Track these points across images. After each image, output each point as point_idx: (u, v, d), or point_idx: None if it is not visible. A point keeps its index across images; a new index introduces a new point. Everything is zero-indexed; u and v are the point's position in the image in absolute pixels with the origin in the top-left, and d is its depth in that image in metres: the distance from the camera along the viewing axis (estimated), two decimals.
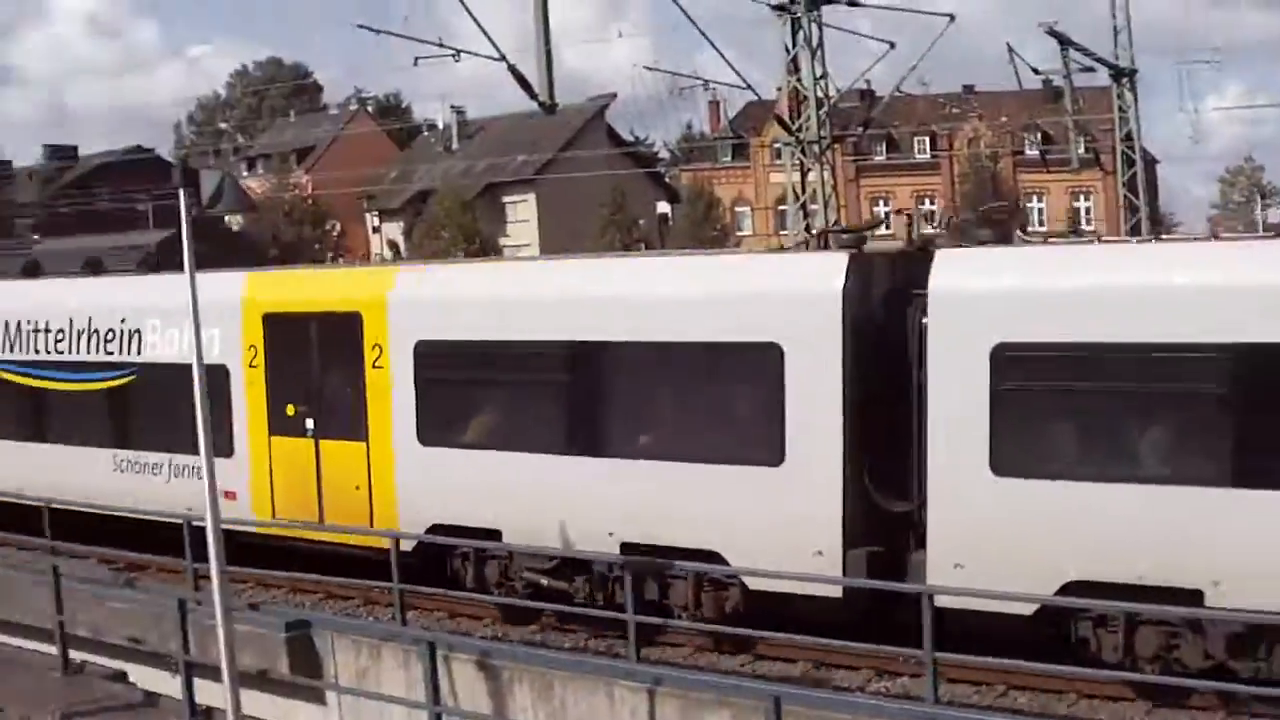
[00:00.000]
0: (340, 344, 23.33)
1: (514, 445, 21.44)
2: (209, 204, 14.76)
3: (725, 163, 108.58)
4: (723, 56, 43.46)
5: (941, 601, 16.31)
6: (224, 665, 14.98)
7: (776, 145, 67.22)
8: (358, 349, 22.98)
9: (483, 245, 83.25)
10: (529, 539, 20.95)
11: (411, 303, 22.82)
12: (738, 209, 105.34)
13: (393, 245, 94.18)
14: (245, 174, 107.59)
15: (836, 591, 18.27)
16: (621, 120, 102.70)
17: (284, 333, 24.18)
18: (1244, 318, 16.41)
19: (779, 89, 44.17)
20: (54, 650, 19.50)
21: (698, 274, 21.88)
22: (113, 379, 26.63)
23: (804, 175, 41.39)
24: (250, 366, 24.34)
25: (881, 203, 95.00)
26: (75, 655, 19.54)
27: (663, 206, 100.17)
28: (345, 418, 23.06)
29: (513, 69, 32.97)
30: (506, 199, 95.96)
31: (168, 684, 18.89)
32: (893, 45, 42.40)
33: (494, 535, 21.23)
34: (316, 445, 23.45)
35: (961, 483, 17.75)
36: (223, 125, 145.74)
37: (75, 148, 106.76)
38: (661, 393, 20.96)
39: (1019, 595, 17.13)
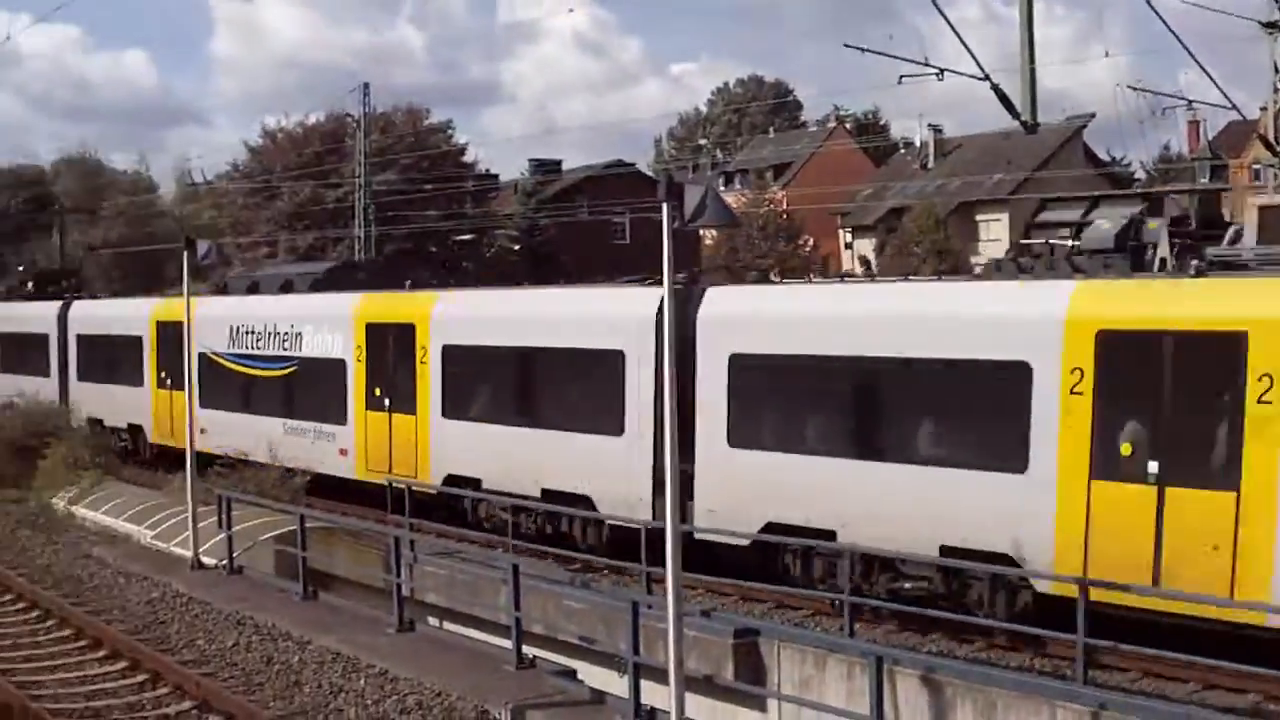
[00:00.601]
0: (404, 346, 32.18)
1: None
2: (691, 217, 14.83)
3: (1203, 184, 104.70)
4: (1208, 74, 41.99)
5: (701, 536, 24.33)
6: (671, 668, 15.09)
7: (1257, 166, 64.47)
8: (412, 350, 31.93)
9: (955, 263, 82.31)
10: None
11: (442, 318, 31.54)
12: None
13: (864, 261, 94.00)
14: (722, 189, 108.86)
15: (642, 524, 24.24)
16: (1098, 139, 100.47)
17: (375, 337, 33.34)
18: (862, 339, 22.96)
19: (1263, 108, 42.45)
20: (509, 645, 19.95)
21: (564, 299, 32.29)
22: (285, 369, 36.64)
23: None
24: (357, 360, 33.26)
25: None
26: (529, 651, 19.97)
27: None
28: (409, 397, 31.94)
29: (995, 88, 32.44)
30: (980, 217, 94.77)
31: (615, 683, 19.18)
32: None
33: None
34: (390, 419, 32.26)
35: (713, 451, 24.82)
36: (702, 141, 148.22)
37: (559, 162, 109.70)
38: (555, 387, 29.40)
39: (737, 532, 24.08)
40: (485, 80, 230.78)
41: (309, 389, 35.72)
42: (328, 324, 34.93)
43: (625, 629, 18.21)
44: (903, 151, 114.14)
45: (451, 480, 30.70)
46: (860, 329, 23.22)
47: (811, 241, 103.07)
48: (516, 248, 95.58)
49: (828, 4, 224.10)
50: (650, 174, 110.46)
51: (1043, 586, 20.08)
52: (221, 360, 38.08)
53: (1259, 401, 18.24)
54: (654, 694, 17.36)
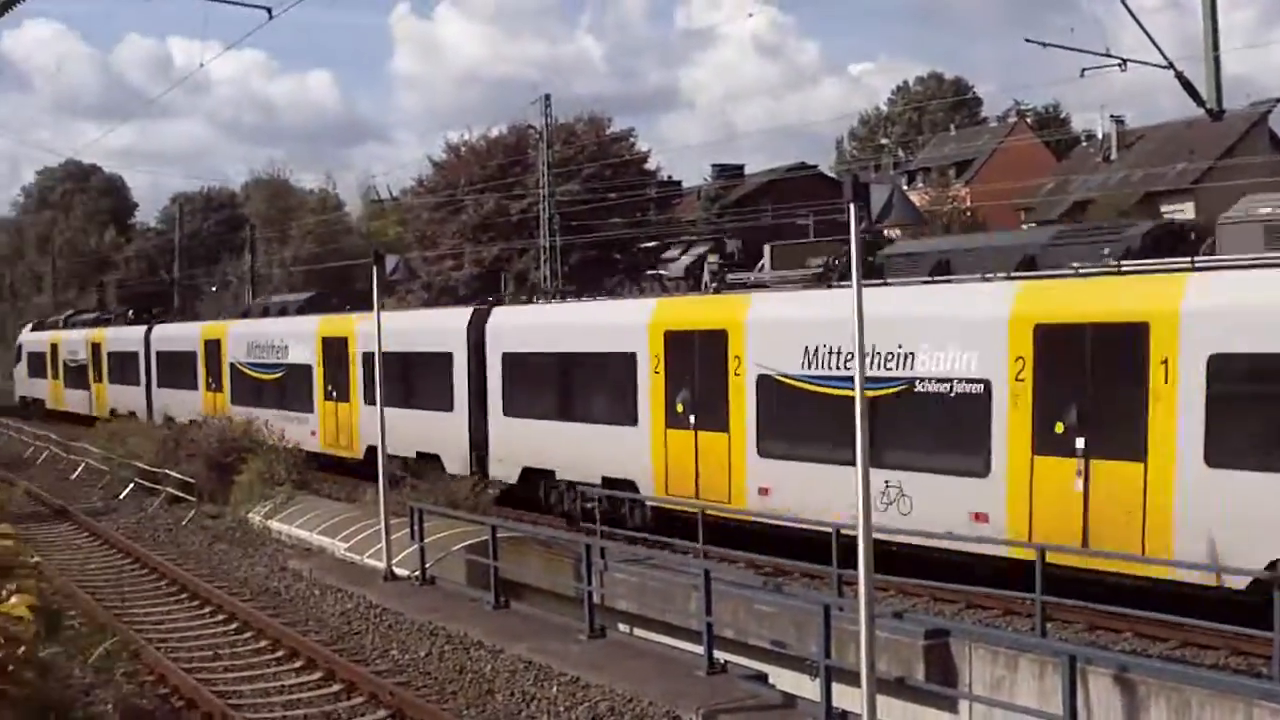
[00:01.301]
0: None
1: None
2: (878, 217, 14.70)
3: None
4: None
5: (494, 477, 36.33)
6: (863, 670, 14.98)
7: None
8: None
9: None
10: None
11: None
12: None
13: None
14: (905, 187, 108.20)
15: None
16: None
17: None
18: (562, 340, 34.42)
19: None
20: (700, 650, 19.95)
21: (431, 318, 45.39)
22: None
23: None
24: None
25: None
26: (720, 656, 19.96)
27: None
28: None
29: (1180, 76, 31.86)
30: (1164, 208, 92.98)
31: (806, 687, 19.11)
32: None
33: None
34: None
35: (496, 419, 36.74)
36: (883, 141, 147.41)
37: (741, 166, 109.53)
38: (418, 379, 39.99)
39: (509, 475, 35.92)
40: (664, 87, 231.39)
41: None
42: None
43: (816, 632, 18.10)
44: (1085, 144, 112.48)
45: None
46: (560, 333, 34.65)
47: None
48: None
49: None
50: (833, 175, 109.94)
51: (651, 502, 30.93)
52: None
53: (735, 374, 28.43)
54: (845, 696, 17.29)
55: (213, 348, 53.74)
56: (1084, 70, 36.70)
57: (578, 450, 32.92)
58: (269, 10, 31.37)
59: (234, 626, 25.55)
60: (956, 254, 26.82)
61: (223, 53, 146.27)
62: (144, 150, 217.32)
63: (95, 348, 69.83)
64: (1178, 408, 20.54)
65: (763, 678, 19.37)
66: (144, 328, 64.13)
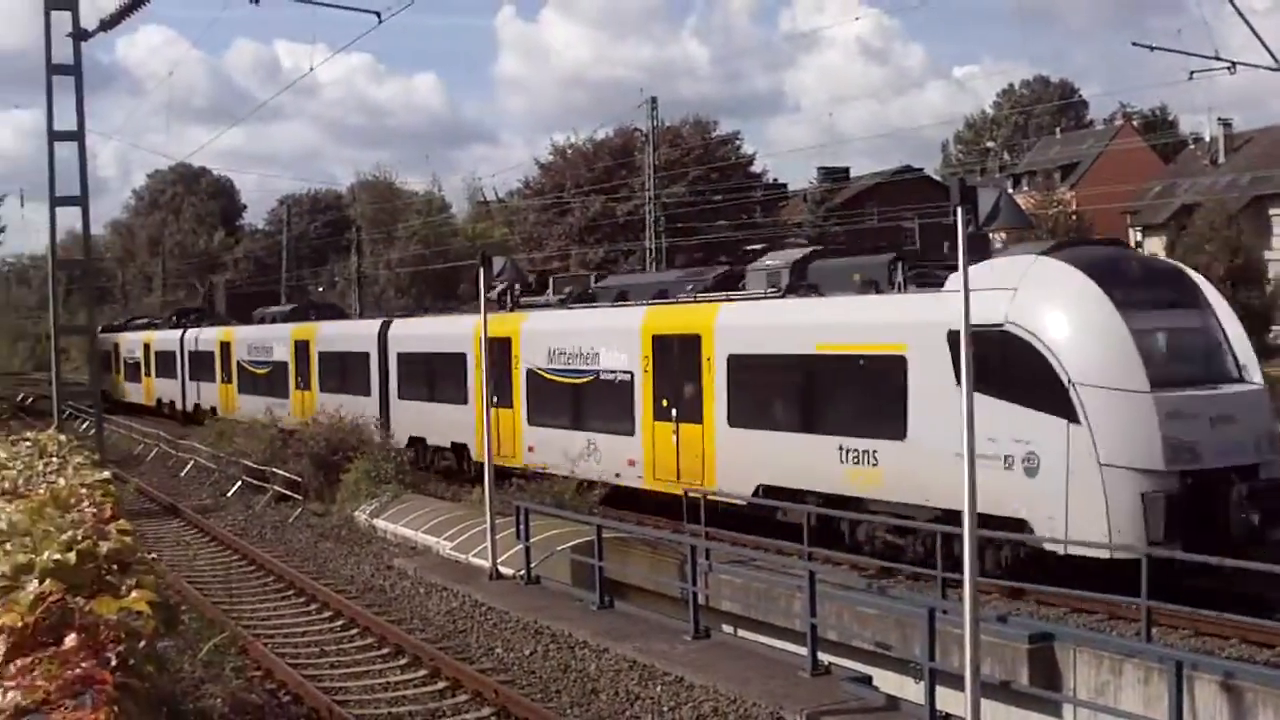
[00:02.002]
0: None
1: None
2: (985, 220, 14.66)
3: None
4: None
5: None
6: (967, 674, 15.01)
7: None
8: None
9: (1246, 261, 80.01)
10: None
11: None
12: None
13: None
14: (1010, 191, 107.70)
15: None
16: None
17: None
18: (431, 342, 45.35)
19: None
20: (804, 652, 19.99)
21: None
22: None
23: None
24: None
25: None
26: (823, 658, 19.98)
27: None
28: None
29: None
30: (1273, 212, 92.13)
31: (910, 689, 19.12)
32: None
33: None
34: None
35: (394, 402, 46.51)
36: (989, 144, 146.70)
37: (847, 169, 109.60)
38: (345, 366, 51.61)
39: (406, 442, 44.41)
40: (769, 90, 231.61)
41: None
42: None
43: (920, 635, 18.11)
44: (1192, 147, 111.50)
45: None
46: (431, 338, 45.43)
47: None
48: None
49: (1109, 1, 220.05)
50: (938, 179, 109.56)
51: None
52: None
53: (515, 369, 38.82)
54: (949, 700, 17.28)
55: (225, 349, 66.25)
56: (1192, 73, 36.53)
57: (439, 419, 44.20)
58: (378, 14, 31.72)
59: (340, 623, 25.80)
60: (632, 286, 40.30)
61: (332, 56, 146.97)
62: (250, 153, 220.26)
63: (146, 348, 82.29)
64: (715, 389, 30.92)
65: (867, 680, 19.36)
66: (180, 331, 76.03)
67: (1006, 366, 23.19)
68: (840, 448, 27.23)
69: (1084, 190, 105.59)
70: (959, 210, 14.44)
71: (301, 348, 56.04)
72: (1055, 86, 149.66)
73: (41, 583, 6.21)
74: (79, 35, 43.97)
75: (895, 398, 25.94)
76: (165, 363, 77.78)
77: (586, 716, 19.08)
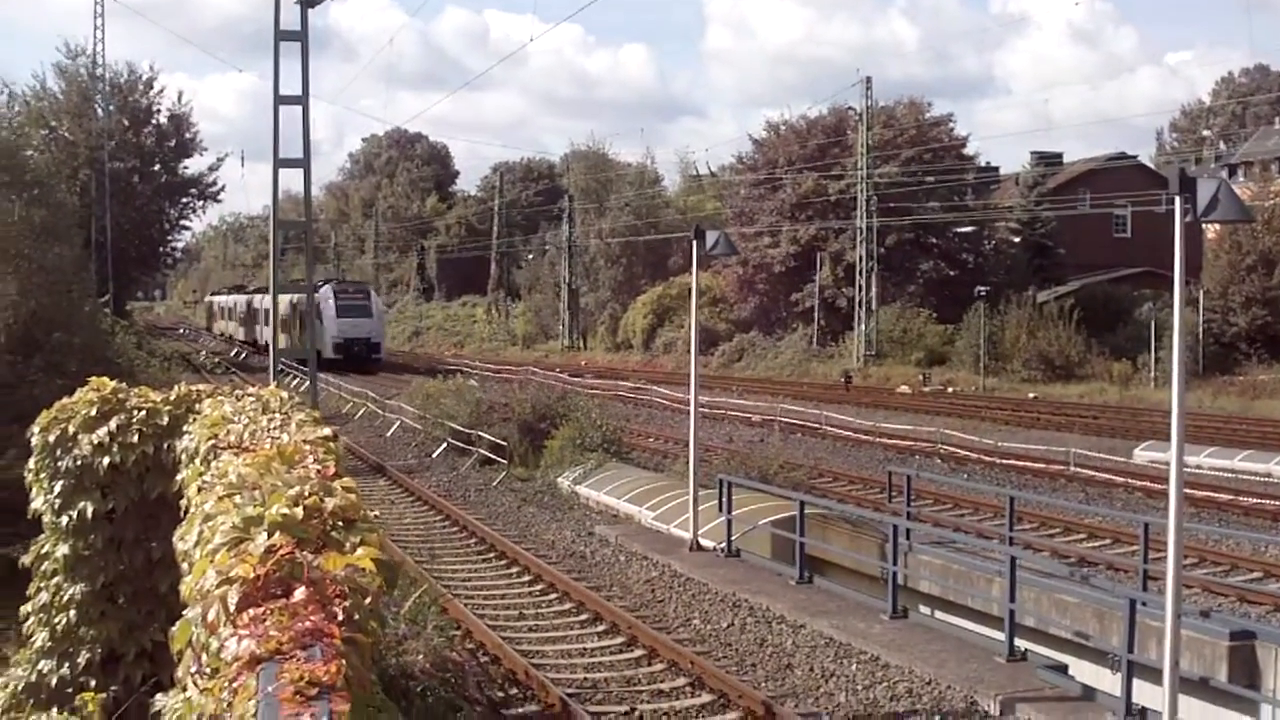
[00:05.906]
0: None
1: None
2: (1204, 212, 14.49)
3: None
4: None
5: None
6: (1166, 668, 14.91)
7: None
8: None
9: None
10: None
11: None
12: None
13: None
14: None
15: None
16: None
17: None
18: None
19: None
20: (1001, 637, 19.96)
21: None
22: None
23: None
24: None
25: None
26: (1020, 644, 19.92)
27: None
28: None
29: None
30: None
31: (1105, 680, 18.99)
32: None
33: None
34: None
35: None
36: (1205, 132, 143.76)
37: (1060, 154, 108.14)
38: None
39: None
40: (978, 73, 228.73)
41: None
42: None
43: (1120, 625, 17.99)
44: None
45: None
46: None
47: None
48: (1016, 240, 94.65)
49: None
50: (1152, 166, 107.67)
51: None
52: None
53: None
54: (1145, 693, 17.15)
55: (256, 308, 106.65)
56: None
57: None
58: None
59: (539, 588, 26.18)
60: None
61: (551, 28, 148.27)
62: (458, 120, 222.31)
63: (218, 306, 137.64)
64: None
65: (1063, 668, 19.28)
66: (245, 296, 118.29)
67: None
68: None
69: None
70: (1177, 200, 14.29)
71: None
72: (1276, 75, 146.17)
73: (270, 536, 6.48)
74: (306, 1, 44.90)
75: None
76: (229, 314, 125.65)
77: (780, 690, 19.20)
